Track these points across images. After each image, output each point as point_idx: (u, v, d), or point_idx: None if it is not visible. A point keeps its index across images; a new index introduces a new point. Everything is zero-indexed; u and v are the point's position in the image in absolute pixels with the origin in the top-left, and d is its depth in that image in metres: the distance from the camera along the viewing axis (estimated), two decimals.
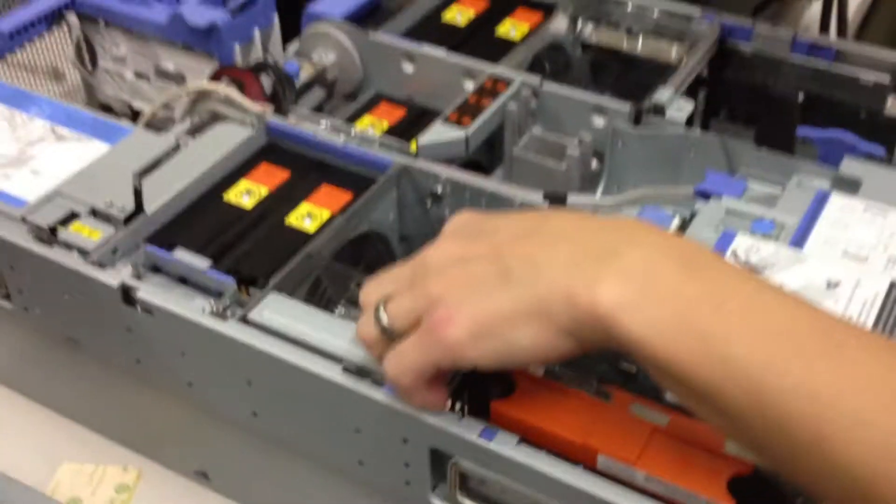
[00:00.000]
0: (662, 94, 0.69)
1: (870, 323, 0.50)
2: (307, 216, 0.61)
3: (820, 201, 0.58)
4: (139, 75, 0.83)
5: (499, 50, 0.77)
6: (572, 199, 0.63)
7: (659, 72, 0.75)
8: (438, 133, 0.66)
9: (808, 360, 0.37)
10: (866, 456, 0.36)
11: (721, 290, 0.40)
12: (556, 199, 0.63)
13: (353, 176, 0.65)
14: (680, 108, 0.68)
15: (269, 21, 0.79)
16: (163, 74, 0.81)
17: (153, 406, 0.62)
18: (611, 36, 0.81)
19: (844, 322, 0.40)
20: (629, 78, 0.78)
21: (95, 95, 0.87)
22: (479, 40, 0.79)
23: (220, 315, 0.53)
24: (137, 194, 0.61)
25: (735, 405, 0.38)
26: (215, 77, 0.73)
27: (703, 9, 0.78)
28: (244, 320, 0.53)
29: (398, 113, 0.75)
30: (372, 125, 0.73)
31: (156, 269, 0.60)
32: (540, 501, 0.46)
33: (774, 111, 0.76)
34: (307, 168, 0.66)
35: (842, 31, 0.95)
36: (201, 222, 0.61)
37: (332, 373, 0.50)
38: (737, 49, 0.77)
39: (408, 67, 0.76)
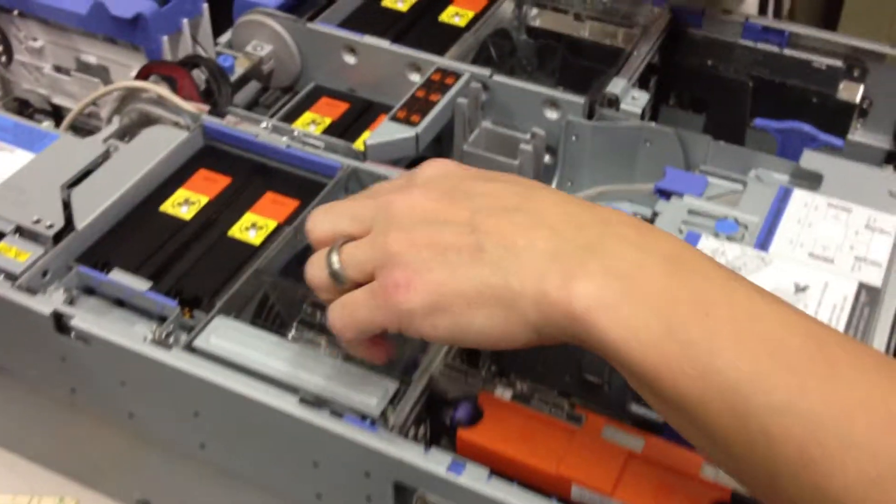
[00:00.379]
0: (616, 86, 0.67)
1: (841, 328, 0.49)
2: (251, 227, 0.58)
3: (782, 198, 0.57)
4: (58, 69, 0.78)
5: (444, 38, 0.74)
6: None
7: (607, 56, 0.73)
8: (387, 132, 0.63)
9: (798, 377, 0.35)
10: (856, 483, 0.34)
11: (709, 294, 0.37)
12: None
13: (297, 180, 0.61)
14: (635, 100, 0.66)
15: (198, 10, 0.75)
16: (84, 68, 0.76)
17: (91, 434, 0.58)
18: (557, 20, 0.79)
19: (839, 334, 0.38)
20: (576, 63, 0.76)
21: (11, 90, 0.82)
22: (423, 27, 0.76)
23: (163, 343, 0.50)
24: (67, 208, 0.57)
25: (717, 421, 0.36)
26: (144, 73, 0.68)
27: None
28: (189, 348, 0.50)
29: (340, 107, 0.71)
30: (314, 122, 0.70)
31: (89, 289, 0.56)
32: None
33: (725, 96, 0.74)
34: (249, 173, 0.62)
35: (777, 14, 0.95)
36: (137, 237, 0.58)
37: (288, 404, 0.47)
38: (687, 34, 0.75)
39: (349, 59, 0.72)
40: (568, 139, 0.67)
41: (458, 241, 0.40)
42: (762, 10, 0.95)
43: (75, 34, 0.75)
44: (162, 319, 0.53)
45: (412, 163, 0.66)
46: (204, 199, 0.60)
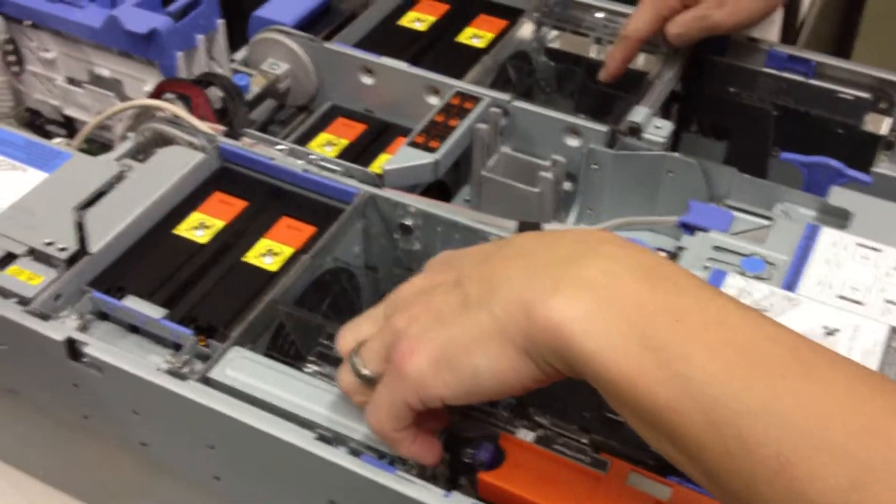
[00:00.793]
0: (638, 114, 0.66)
1: None
2: (267, 253, 0.57)
3: (810, 236, 0.56)
4: (71, 81, 0.77)
5: (462, 59, 0.73)
6: (548, 228, 0.60)
7: (626, 80, 0.72)
8: (405, 158, 0.62)
9: (772, 380, 0.35)
10: (833, 488, 0.33)
11: (681, 302, 0.37)
12: (531, 229, 0.59)
13: (314, 205, 0.60)
14: (658, 129, 0.65)
15: (213, 25, 0.74)
16: (97, 81, 0.75)
17: (102, 457, 0.57)
18: (576, 42, 0.78)
19: (812, 342, 0.37)
20: (595, 86, 0.75)
21: (23, 100, 0.81)
22: (441, 49, 0.75)
23: (178, 374, 0.49)
24: (80, 231, 0.56)
25: (691, 428, 0.35)
26: (158, 91, 0.67)
27: None
28: (205, 380, 0.48)
29: (357, 129, 0.70)
30: (330, 143, 0.69)
31: (103, 314, 0.55)
32: None
33: (748, 124, 0.73)
34: (264, 197, 0.61)
35: (792, 40, 0.94)
36: (152, 261, 0.56)
37: (305, 441, 0.46)
38: (710, 60, 0.74)
39: (366, 79, 0.71)
40: (589, 167, 0.66)
41: (447, 299, 0.41)
42: (785, 38, 0.94)
43: (89, 47, 0.74)
44: (177, 347, 0.51)
45: (429, 188, 0.65)
46: (220, 224, 0.59)
